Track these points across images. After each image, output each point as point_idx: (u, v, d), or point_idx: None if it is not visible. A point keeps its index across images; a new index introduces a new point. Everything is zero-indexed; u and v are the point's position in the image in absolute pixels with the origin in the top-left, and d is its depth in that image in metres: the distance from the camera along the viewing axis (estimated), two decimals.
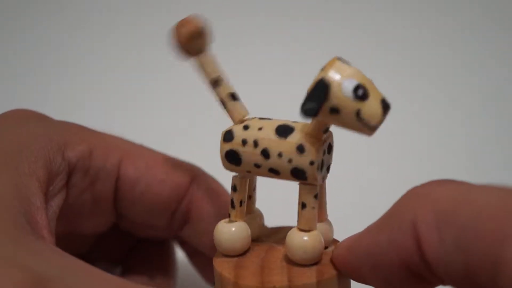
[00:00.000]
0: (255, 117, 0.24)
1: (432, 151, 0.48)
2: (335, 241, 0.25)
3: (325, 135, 0.22)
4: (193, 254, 0.32)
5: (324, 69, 0.21)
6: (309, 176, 0.22)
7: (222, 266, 0.24)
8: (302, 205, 0.23)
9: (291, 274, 0.23)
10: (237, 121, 0.24)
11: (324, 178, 0.23)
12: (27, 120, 0.27)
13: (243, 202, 0.24)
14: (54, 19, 0.61)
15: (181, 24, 0.23)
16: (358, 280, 0.23)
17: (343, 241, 0.23)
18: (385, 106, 0.21)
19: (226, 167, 0.24)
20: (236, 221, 0.24)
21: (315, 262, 0.23)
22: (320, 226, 0.24)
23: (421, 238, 0.20)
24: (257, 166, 0.23)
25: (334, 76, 0.21)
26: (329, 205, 0.25)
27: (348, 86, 0.20)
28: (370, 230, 0.22)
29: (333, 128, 0.23)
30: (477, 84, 0.54)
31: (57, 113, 0.29)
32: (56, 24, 0.61)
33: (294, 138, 0.22)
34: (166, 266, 0.33)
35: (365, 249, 0.22)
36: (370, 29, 0.59)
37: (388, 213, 0.22)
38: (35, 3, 0.62)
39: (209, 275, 0.32)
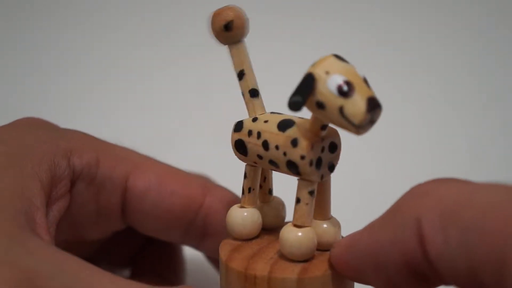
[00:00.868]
0: (268, 112, 0.25)
1: (433, 149, 0.48)
2: None
3: (323, 132, 0.22)
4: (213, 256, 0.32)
5: (315, 64, 0.21)
6: (302, 171, 0.22)
7: (224, 248, 0.25)
8: (297, 200, 0.23)
9: (275, 266, 0.23)
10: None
11: (323, 176, 0.23)
12: (36, 127, 0.27)
13: (252, 189, 0.25)
14: (55, 19, 0.62)
15: (216, 13, 0.25)
16: (357, 280, 0.23)
17: (341, 240, 0.23)
18: (372, 105, 0.20)
19: (237, 156, 0.25)
20: (246, 207, 0.25)
21: (305, 259, 0.23)
22: (322, 224, 0.24)
23: (425, 238, 0.19)
24: (260, 157, 0.24)
25: (321, 71, 0.21)
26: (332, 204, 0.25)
27: (333, 82, 0.20)
28: (371, 228, 0.22)
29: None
30: (478, 82, 0.54)
31: (58, 116, 0.30)
32: (56, 25, 0.61)
33: (291, 132, 0.23)
34: (176, 265, 0.33)
35: (366, 248, 0.21)
36: (371, 29, 0.59)
37: (391, 211, 0.21)
38: (40, 5, 0.63)
39: None
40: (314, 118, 0.22)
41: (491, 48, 0.57)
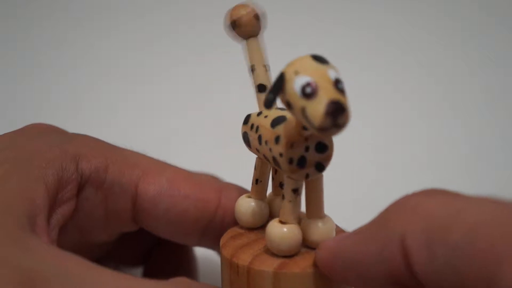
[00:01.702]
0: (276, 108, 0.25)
1: (433, 149, 0.48)
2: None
3: (307, 132, 0.22)
4: None
5: (290, 63, 0.21)
6: (283, 168, 0.23)
7: (226, 234, 0.26)
8: (282, 197, 0.23)
9: (257, 258, 0.24)
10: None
11: (309, 176, 0.23)
12: (44, 133, 0.27)
13: (259, 181, 0.26)
14: (55, 18, 0.62)
15: (233, 9, 0.25)
16: (341, 283, 0.23)
17: (327, 242, 0.23)
18: (333, 109, 0.20)
19: (247, 147, 0.26)
20: (254, 198, 0.26)
21: (287, 255, 0.24)
22: (313, 223, 0.24)
23: (410, 255, 0.19)
24: (258, 150, 0.25)
25: (292, 71, 0.21)
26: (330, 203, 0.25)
27: (298, 83, 0.20)
28: (357, 237, 0.21)
29: None
30: (478, 82, 0.54)
31: (65, 120, 0.30)
32: (59, 27, 0.61)
33: (278, 129, 0.23)
34: (188, 264, 0.33)
35: (351, 257, 0.21)
36: (371, 29, 0.59)
37: (377, 223, 0.21)
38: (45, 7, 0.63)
39: None
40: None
41: (491, 48, 0.57)
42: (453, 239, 0.18)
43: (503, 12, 0.60)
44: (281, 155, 0.22)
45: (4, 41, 0.59)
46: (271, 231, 0.24)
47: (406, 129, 0.51)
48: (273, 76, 0.26)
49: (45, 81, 0.55)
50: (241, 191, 0.29)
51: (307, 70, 0.20)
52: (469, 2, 0.60)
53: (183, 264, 0.33)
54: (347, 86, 0.21)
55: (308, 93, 0.20)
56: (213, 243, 0.29)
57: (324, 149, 0.23)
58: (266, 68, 0.26)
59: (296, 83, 0.20)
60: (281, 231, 0.23)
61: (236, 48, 0.26)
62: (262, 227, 0.26)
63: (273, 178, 0.27)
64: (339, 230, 0.26)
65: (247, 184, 0.28)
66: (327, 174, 0.24)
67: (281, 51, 0.28)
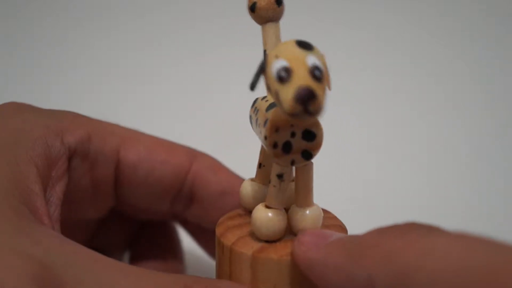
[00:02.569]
0: None
1: (433, 149, 0.48)
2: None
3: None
4: (197, 231, 0.33)
5: (275, 46, 0.21)
6: (268, 152, 0.23)
7: (227, 214, 0.27)
8: (269, 181, 0.23)
9: (240, 240, 0.24)
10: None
11: (294, 162, 0.23)
12: (22, 111, 0.27)
13: (262, 165, 0.26)
14: (55, 18, 0.61)
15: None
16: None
17: (306, 235, 0.22)
18: (301, 95, 0.19)
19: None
20: (256, 181, 0.26)
21: (269, 240, 0.24)
22: (301, 211, 0.24)
23: None
24: (256, 133, 0.25)
25: (273, 54, 0.21)
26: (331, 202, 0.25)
27: (275, 66, 0.20)
28: (329, 258, 0.21)
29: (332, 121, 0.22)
30: (478, 82, 0.55)
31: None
32: (53, 21, 0.60)
33: (269, 113, 0.23)
34: (173, 247, 0.33)
35: (319, 275, 0.22)
36: (372, 29, 0.59)
37: (349, 254, 0.21)
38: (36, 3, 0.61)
39: (214, 251, 0.32)
40: None
41: (491, 48, 0.58)
42: (417, 285, 0.18)
43: (503, 12, 0.59)
44: (265, 138, 0.22)
45: (4, 41, 0.60)
46: (255, 215, 0.24)
47: (405, 128, 0.50)
48: None
49: (45, 81, 0.56)
50: (213, 160, 0.30)
51: (285, 54, 0.20)
52: (469, 2, 0.60)
53: (168, 247, 0.33)
54: (347, 83, 0.21)
55: (283, 77, 0.20)
56: (182, 210, 0.30)
57: (311, 137, 0.23)
58: None
59: (273, 67, 0.20)
60: (264, 215, 0.23)
61: (236, 48, 0.26)
62: None
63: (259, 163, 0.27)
64: (337, 224, 0.26)
65: None
66: (327, 171, 0.24)
67: None
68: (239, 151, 0.37)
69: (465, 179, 0.44)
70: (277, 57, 0.20)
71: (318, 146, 0.23)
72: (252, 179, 0.27)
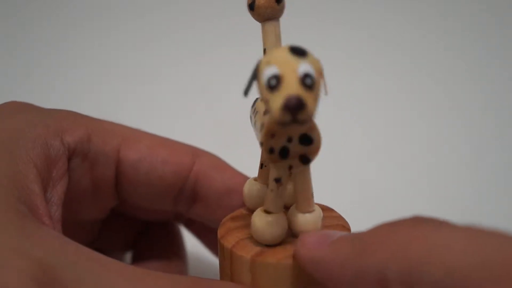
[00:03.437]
0: None
1: (434, 149, 0.48)
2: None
3: None
4: (202, 231, 0.33)
5: (268, 53, 0.20)
6: (265, 157, 0.22)
7: (231, 214, 0.27)
8: (268, 186, 0.23)
9: (240, 243, 0.24)
10: None
11: (292, 167, 0.22)
12: (22, 110, 0.27)
13: (264, 165, 0.26)
14: (55, 18, 0.60)
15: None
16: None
17: (309, 236, 0.22)
18: (289, 104, 0.19)
19: None
20: (259, 181, 0.26)
21: (269, 244, 0.23)
22: (301, 216, 0.24)
23: None
24: (256, 135, 0.24)
25: (265, 61, 0.20)
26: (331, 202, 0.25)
27: (266, 74, 0.20)
28: (336, 254, 0.21)
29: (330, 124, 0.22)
30: (478, 82, 0.55)
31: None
32: (59, 24, 0.60)
33: (266, 117, 0.22)
34: (177, 248, 0.33)
35: (326, 274, 0.21)
36: (372, 30, 0.59)
37: (357, 247, 0.20)
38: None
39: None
40: None
41: (491, 48, 0.58)
42: (431, 277, 0.18)
43: (503, 12, 0.59)
44: (261, 144, 0.22)
45: (4, 41, 0.60)
46: (254, 220, 0.24)
47: (405, 128, 0.50)
48: None
49: (45, 80, 0.56)
50: (216, 159, 0.30)
51: (277, 61, 0.20)
52: (469, 2, 0.60)
53: (171, 247, 0.33)
54: (346, 84, 0.20)
55: (272, 85, 0.20)
56: (185, 209, 0.30)
57: (308, 141, 0.22)
58: None
59: (264, 74, 0.20)
60: (264, 221, 0.23)
61: (237, 47, 0.26)
62: None
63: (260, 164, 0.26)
64: (341, 223, 0.25)
65: None
66: (327, 172, 0.23)
67: None
68: (240, 150, 0.37)
69: (465, 179, 0.44)
70: (268, 63, 0.20)
71: (316, 150, 0.22)
72: (255, 179, 0.27)
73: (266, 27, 0.25)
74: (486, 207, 0.41)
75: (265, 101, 0.20)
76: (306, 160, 0.22)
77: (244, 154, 0.31)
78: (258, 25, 0.25)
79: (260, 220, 0.23)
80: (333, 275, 0.21)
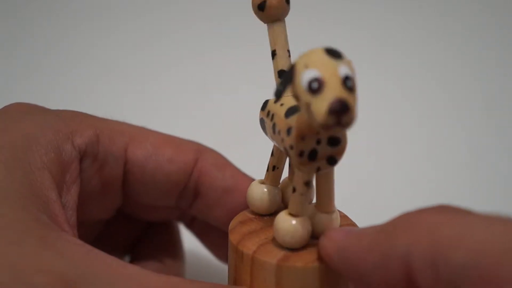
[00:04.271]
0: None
1: (435, 149, 0.48)
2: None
3: None
4: (204, 232, 0.33)
5: (302, 55, 0.20)
6: (293, 161, 0.22)
7: (236, 219, 0.26)
8: (293, 189, 0.23)
9: (262, 248, 0.24)
10: None
11: (320, 169, 0.22)
12: (30, 113, 0.27)
13: (276, 167, 0.26)
14: (54, 15, 0.61)
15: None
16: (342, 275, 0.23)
17: (334, 232, 0.22)
18: (336, 107, 0.19)
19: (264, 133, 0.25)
20: (266, 183, 0.26)
21: (294, 247, 0.23)
22: (323, 216, 0.24)
23: (414, 273, 0.19)
24: (272, 138, 0.24)
25: (302, 63, 0.20)
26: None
27: (306, 77, 0.20)
28: (362, 242, 0.21)
29: None
30: (478, 82, 0.55)
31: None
32: (59, 24, 0.60)
33: (291, 120, 0.22)
34: (174, 249, 0.33)
35: (354, 258, 0.21)
36: (372, 30, 0.60)
37: (383, 232, 0.20)
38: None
39: (220, 253, 0.32)
40: None
41: (491, 48, 0.58)
42: (458, 261, 0.18)
43: (503, 12, 0.60)
44: (291, 147, 0.22)
45: (4, 41, 0.60)
46: (279, 224, 0.23)
47: (405, 129, 0.51)
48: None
49: (44, 81, 0.56)
50: (219, 156, 0.30)
51: (316, 64, 0.20)
52: (469, 2, 0.61)
53: (169, 247, 0.33)
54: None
55: (314, 88, 0.19)
56: (187, 204, 0.30)
57: (336, 142, 0.22)
58: (288, 53, 0.25)
59: (303, 77, 0.20)
60: (289, 225, 0.23)
61: (235, 48, 0.25)
62: (273, 213, 0.26)
63: (290, 165, 0.26)
64: (350, 223, 0.26)
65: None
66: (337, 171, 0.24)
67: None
68: (242, 149, 0.36)
69: (466, 180, 0.45)
70: (307, 66, 0.20)
71: (342, 151, 0.22)
72: (261, 181, 0.26)
73: (275, 28, 0.25)
74: (487, 207, 0.42)
75: (305, 104, 0.20)
76: (333, 161, 0.22)
77: (246, 153, 0.30)
78: (261, 24, 0.25)
79: (286, 225, 0.23)
80: (360, 263, 0.21)
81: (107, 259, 0.22)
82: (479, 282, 0.17)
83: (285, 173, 0.26)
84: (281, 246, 0.23)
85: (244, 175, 0.30)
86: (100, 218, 0.31)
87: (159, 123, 0.33)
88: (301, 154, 0.22)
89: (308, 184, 0.23)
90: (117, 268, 0.21)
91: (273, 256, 0.23)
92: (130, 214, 0.32)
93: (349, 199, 0.31)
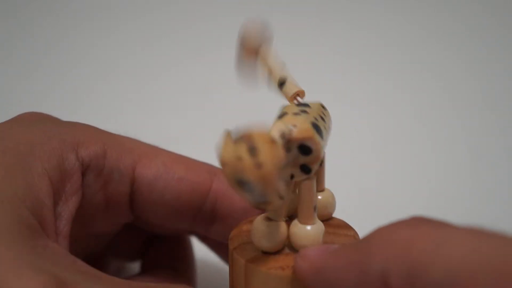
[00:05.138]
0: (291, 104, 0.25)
1: (434, 149, 0.48)
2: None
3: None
4: (220, 248, 0.32)
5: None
6: None
7: (239, 224, 0.27)
8: None
9: (241, 246, 0.25)
10: None
11: (293, 176, 0.23)
12: (39, 122, 0.27)
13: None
14: (58, 18, 0.61)
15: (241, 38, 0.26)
16: None
17: (309, 251, 0.22)
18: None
19: None
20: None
21: (266, 251, 0.24)
22: (302, 227, 0.24)
23: None
24: None
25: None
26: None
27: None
28: (338, 261, 0.21)
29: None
30: (479, 83, 0.55)
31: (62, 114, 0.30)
32: (59, 24, 0.60)
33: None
34: (186, 258, 0.33)
35: (329, 278, 0.21)
36: (372, 30, 0.60)
37: (359, 251, 0.21)
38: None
39: None
40: None
41: (491, 48, 0.58)
42: (434, 277, 0.18)
43: (503, 12, 0.60)
44: None
45: (4, 41, 0.60)
46: (255, 226, 0.24)
47: (405, 129, 0.51)
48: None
49: (44, 81, 0.55)
50: None
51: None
52: (469, 2, 0.61)
53: (181, 257, 0.33)
54: (345, 84, 0.21)
55: None
56: (204, 228, 0.30)
57: (307, 151, 0.23)
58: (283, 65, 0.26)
59: None
60: (263, 227, 0.24)
61: (235, 49, 0.27)
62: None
63: None
64: (351, 234, 0.26)
65: None
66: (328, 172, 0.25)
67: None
68: None
69: (466, 180, 0.45)
70: None
71: (316, 160, 0.23)
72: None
73: (262, 52, 0.26)
74: (487, 208, 0.41)
75: None
76: (307, 169, 0.23)
77: None
78: None
79: (259, 226, 0.24)
80: (337, 283, 0.21)
81: (89, 267, 0.22)
82: None
83: None
84: (257, 248, 0.24)
85: None
86: (107, 231, 0.30)
87: (159, 123, 0.32)
88: None
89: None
90: (100, 275, 0.22)
91: (245, 255, 0.24)
92: (142, 227, 0.31)
93: (349, 199, 0.32)
